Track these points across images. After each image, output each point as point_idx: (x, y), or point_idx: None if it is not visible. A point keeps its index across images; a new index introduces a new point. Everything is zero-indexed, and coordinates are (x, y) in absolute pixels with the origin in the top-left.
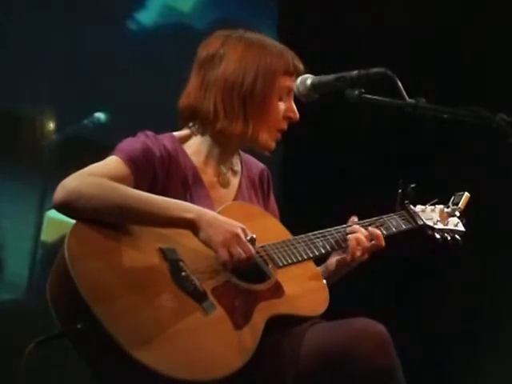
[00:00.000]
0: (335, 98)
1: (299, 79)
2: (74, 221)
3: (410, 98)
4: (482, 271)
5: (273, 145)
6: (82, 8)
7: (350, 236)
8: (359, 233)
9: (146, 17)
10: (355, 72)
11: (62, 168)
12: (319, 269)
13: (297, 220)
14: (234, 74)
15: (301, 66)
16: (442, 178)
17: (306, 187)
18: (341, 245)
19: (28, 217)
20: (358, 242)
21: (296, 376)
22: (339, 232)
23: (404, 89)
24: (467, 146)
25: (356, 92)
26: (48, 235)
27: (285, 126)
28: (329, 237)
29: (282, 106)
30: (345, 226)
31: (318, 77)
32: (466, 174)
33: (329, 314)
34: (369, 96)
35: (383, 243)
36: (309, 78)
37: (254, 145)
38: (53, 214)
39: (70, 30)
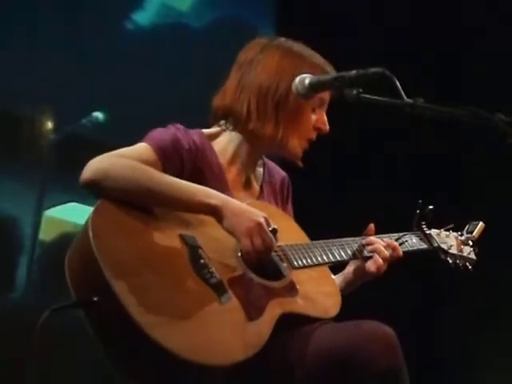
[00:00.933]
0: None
1: (297, 78)
2: (73, 221)
3: (408, 97)
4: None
5: (301, 153)
6: (81, 8)
7: (372, 248)
8: (378, 244)
9: (144, 16)
10: (353, 72)
11: (61, 167)
12: (336, 277)
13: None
14: (270, 79)
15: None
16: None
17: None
18: (357, 254)
19: (26, 216)
20: (380, 251)
21: (303, 375)
22: (356, 242)
23: (402, 88)
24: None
25: (354, 92)
26: (46, 234)
27: (314, 136)
28: (345, 246)
29: (313, 116)
30: (362, 237)
31: (317, 76)
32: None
33: (338, 318)
34: (367, 96)
35: (401, 253)
36: (307, 78)
37: (283, 150)
38: (51, 213)
39: (68, 30)
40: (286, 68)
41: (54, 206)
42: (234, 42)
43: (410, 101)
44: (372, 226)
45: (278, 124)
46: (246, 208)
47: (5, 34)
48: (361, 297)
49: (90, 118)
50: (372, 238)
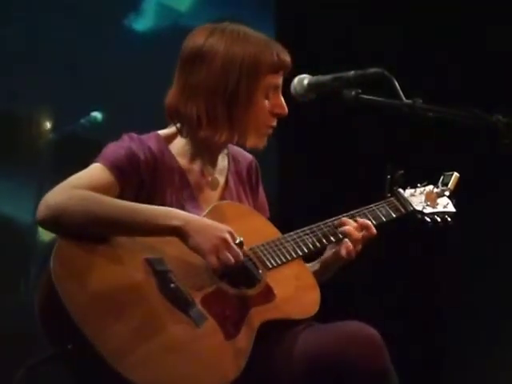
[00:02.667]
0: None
1: (296, 79)
2: None
3: (406, 98)
4: (481, 270)
5: (262, 144)
6: (80, 8)
7: (341, 230)
8: (349, 225)
9: (143, 16)
10: (352, 72)
11: (59, 167)
12: (315, 263)
13: (294, 216)
14: (216, 77)
15: (287, 60)
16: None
17: (303, 181)
18: (330, 239)
19: (24, 216)
20: (350, 234)
21: (289, 381)
22: (328, 226)
23: (401, 89)
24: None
25: (353, 92)
26: (44, 235)
27: (274, 122)
28: (318, 232)
29: (267, 103)
30: (333, 218)
31: (315, 77)
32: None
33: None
34: (366, 96)
35: (374, 232)
36: (306, 78)
37: (244, 144)
38: None
39: (67, 30)
40: (234, 57)
41: None
42: None
43: (408, 101)
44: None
45: (232, 126)
46: (209, 224)
47: (4, 33)
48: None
49: (88, 118)
50: (343, 220)
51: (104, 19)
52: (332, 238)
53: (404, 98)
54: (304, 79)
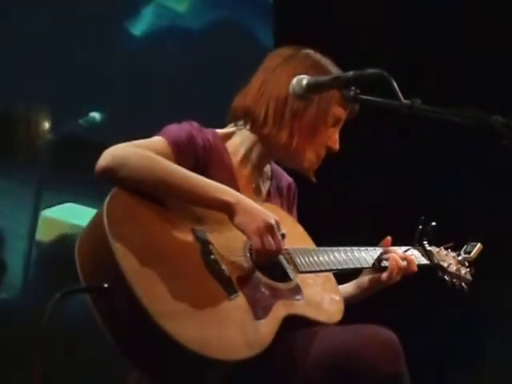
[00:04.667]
0: None
1: (295, 79)
2: (70, 221)
3: (405, 99)
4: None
5: (315, 165)
6: (80, 8)
7: (388, 255)
8: (395, 253)
9: (142, 17)
10: (351, 73)
11: (57, 167)
12: (348, 285)
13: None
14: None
15: (356, 106)
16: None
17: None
18: (374, 263)
19: (23, 216)
20: (397, 261)
21: (304, 376)
22: (371, 251)
23: (400, 90)
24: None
25: (352, 93)
26: (43, 235)
27: (323, 153)
28: (351, 254)
29: (326, 133)
30: (375, 247)
31: (314, 77)
32: None
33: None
34: (364, 97)
35: (416, 268)
36: (305, 79)
37: (296, 161)
38: (48, 213)
39: (66, 30)
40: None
41: (50, 206)
42: (232, 43)
43: (407, 102)
44: (389, 238)
45: (293, 133)
46: (258, 207)
47: (3, 34)
48: None
49: (86, 119)
50: (391, 248)
51: (103, 20)
52: (376, 264)
53: (403, 99)
54: (303, 79)
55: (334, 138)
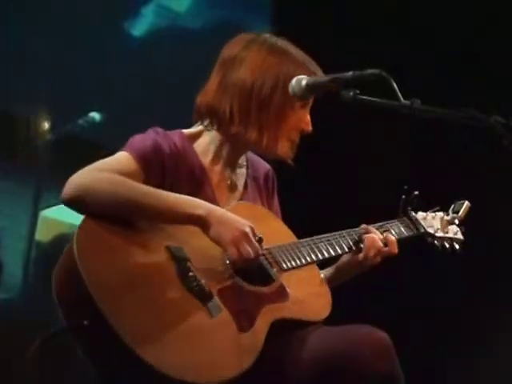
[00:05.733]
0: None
1: (294, 79)
2: (69, 221)
3: (405, 99)
4: (479, 269)
5: (291, 153)
6: (79, 9)
7: (366, 236)
8: (375, 234)
9: (142, 17)
10: (350, 73)
11: (57, 167)
12: (328, 269)
13: (299, 223)
14: (253, 78)
15: None
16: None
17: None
18: (350, 246)
19: (22, 216)
20: (374, 241)
21: (297, 379)
22: (349, 234)
23: (400, 90)
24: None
25: (351, 93)
26: (42, 235)
27: (296, 138)
28: (333, 241)
29: (294, 118)
30: (349, 230)
31: (313, 78)
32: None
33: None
34: (364, 97)
35: (396, 250)
36: (304, 79)
37: (270, 154)
38: (47, 213)
39: (66, 30)
40: (271, 66)
41: (49, 206)
42: None
43: (407, 102)
44: (365, 225)
45: (262, 128)
46: (231, 217)
47: (2, 33)
48: None
49: (86, 118)
50: (370, 228)
51: (103, 20)
52: (354, 246)
53: (402, 99)
54: (302, 80)
55: (305, 120)
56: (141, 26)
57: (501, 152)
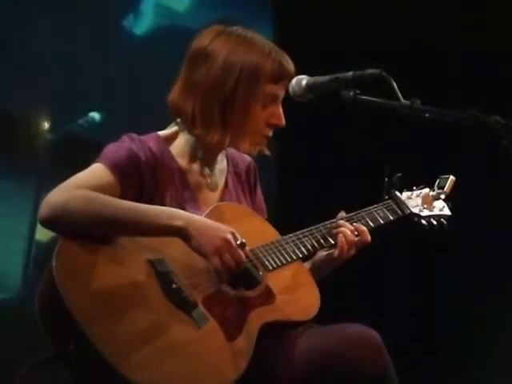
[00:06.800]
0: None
1: (294, 80)
2: None
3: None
4: (480, 269)
5: (254, 151)
6: (79, 8)
7: (337, 231)
8: (345, 227)
9: (141, 17)
10: (350, 73)
11: (57, 167)
12: (306, 264)
13: (291, 215)
14: (215, 78)
15: (290, 70)
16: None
17: (300, 181)
18: (328, 241)
19: (22, 216)
20: (345, 236)
21: (289, 380)
22: (326, 228)
23: (400, 90)
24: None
25: (351, 93)
26: (42, 235)
27: (268, 132)
28: (317, 234)
29: (263, 113)
30: (332, 221)
31: (314, 78)
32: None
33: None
34: (364, 97)
35: (369, 238)
36: (304, 79)
37: (238, 149)
38: None
39: (66, 30)
40: (235, 58)
41: None
42: None
43: (407, 102)
44: (342, 213)
45: (224, 128)
46: (211, 224)
47: (2, 33)
48: None
49: (86, 118)
50: (340, 222)
51: (103, 20)
52: (331, 240)
53: (402, 99)
54: (302, 80)
55: (277, 115)
56: (141, 26)
57: (501, 152)
